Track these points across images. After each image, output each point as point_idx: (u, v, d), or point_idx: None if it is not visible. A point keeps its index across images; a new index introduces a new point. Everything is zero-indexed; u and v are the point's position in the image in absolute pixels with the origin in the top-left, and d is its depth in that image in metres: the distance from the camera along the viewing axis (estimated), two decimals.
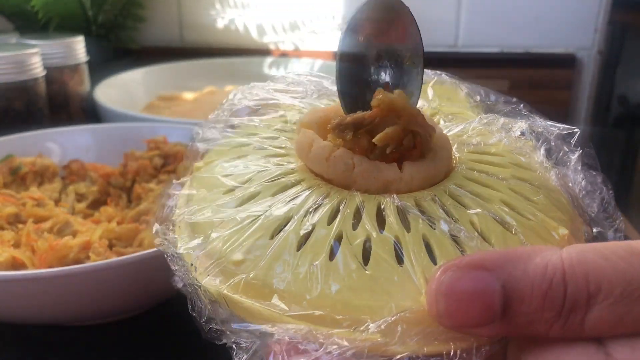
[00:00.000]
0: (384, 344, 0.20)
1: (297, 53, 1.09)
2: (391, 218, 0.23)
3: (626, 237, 0.26)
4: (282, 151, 0.28)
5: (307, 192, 0.25)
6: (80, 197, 0.54)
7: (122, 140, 0.60)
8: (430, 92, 0.33)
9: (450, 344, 0.20)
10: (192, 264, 0.24)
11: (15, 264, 0.43)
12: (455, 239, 0.23)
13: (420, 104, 0.31)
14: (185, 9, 1.11)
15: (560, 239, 0.24)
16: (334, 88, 0.30)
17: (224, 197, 0.26)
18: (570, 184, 0.27)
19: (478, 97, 0.33)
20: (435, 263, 0.22)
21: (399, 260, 0.22)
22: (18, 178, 0.55)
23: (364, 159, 0.25)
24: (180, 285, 0.25)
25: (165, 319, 0.45)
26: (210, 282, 0.23)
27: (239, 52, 1.06)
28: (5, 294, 0.38)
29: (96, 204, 0.54)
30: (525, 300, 0.18)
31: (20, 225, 0.48)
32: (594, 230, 0.27)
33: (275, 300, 0.22)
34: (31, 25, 0.96)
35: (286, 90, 0.33)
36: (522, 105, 0.31)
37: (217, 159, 0.29)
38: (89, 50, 0.80)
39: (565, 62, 1.02)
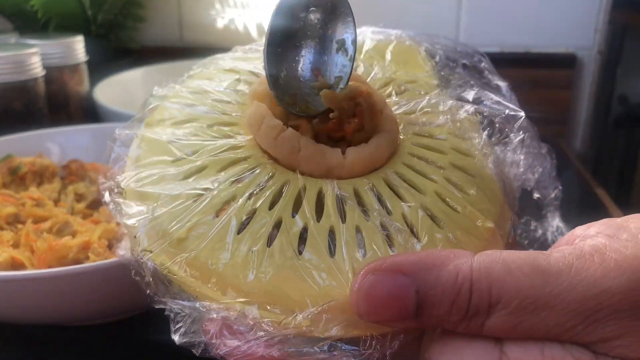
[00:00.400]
0: (308, 332, 0.22)
1: None
2: (329, 207, 0.25)
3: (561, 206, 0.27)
4: (233, 119, 0.28)
5: (253, 172, 0.25)
6: (79, 197, 0.54)
7: None
8: (387, 56, 0.33)
9: (368, 332, 0.22)
10: (135, 237, 0.25)
11: (15, 264, 0.43)
12: (386, 232, 0.24)
13: (376, 70, 0.32)
14: (185, 9, 1.11)
15: (484, 232, 0.26)
16: None
17: (171, 168, 0.26)
18: (507, 169, 0.29)
19: (437, 58, 0.33)
20: (364, 255, 0.23)
21: (332, 250, 0.23)
22: (17, 178, 0.54)
23: (310, 143, 0.26)
24: (122, 253, 0.25)
25: (165, 319, 0.45)
26: (154, 258, 0.24)
27: None
28: (4, 294, 0.37)
29: (95, 204, 0.53)
30: (435, 305, 0.20)
31: (19, 226, 0.48)
32: (535, 195, 0.29)
33: (213, 281, 0.23)
34: (31, 25, 0.96)
35: (245, 58, 0.33)
36: (482, 64, 0.32)
37: (167, 119, 0.29)
38: (88, 50, 0.80)
39: (566, 62, 1.02)
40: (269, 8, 1.08)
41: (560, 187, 0.29)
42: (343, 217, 0.24)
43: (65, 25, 0.96)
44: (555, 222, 0.29)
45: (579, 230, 0.23)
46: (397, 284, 0.21)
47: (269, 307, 0.22)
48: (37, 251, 0.43)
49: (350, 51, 0.28)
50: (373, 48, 0.33)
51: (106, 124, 0.67)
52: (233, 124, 0.28)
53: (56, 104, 0.76)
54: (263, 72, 0.30)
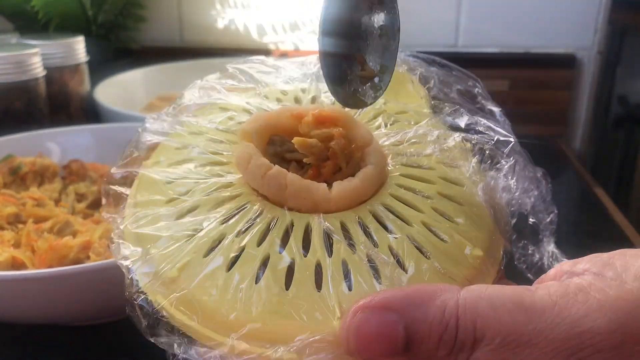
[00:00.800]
0: None
1: (297, 53, 1.09)
2: (316, 242, 0.25)
3: (557, 231, 0.27)
4: (224, 159, 0.29)
5: (242, 210, 0.27)
6: (80, 197, 0.54)
7: (122, 140, 0.60)
8: None
9: None
10: (130, 278, 0.26)
11: (15, 264, 0.43)
12: (372, 264, 0.24)
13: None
14: (185, 9, 1.11)
15: (473, 261, 0.26)
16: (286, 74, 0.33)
17: (165, 208, 0.27)
18: (498, 195, 0.29)
19: (432, 83, 0.33)
20: (350, 289, 0.24)
21: (319, 285, 0.24)
22: (18, 178, 0.55)
23: (296, 179, 0.27)
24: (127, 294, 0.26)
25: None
26: (148, 298, 0.25)
27: (239, 52, 1.06)
28: (5, 293, 0.38)
29: (96, 204, 0.54)
30: (424, 341, 0.21)
31: (20, 225, 0.48)
32: (530, 220, 0.29)
33: (202, 318, 0.24)
34: (31, 25, 0.96)
35: (236, 88, 0.34)
36: (477, 89, 0.32)
37: (164, 160, 0.30)
38: (89, 51, 0.80)
39: (565, 62, 1.02)
40: (268, 8, 1.08)
41: (555, 212, 0.29)
42: (329, 251, 0.25)
43: (65, 26, 0.96)
44: (550, 247, 0.30)
45: (566, 265, 0.23)
46: (386, 321, 0.21)
47: (257, 342, 0.23)
48: (38, 251, 0.43)
49: (395, 38, 0.28)
50: None
51: (106, 124, 0.68)
52: (224, 164, 0.29)
53: (57, 104, 0.76)
54: (254, 109, 0.32)
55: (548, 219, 0.29)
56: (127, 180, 0.30)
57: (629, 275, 0.21)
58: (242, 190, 0.27)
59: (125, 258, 0.26)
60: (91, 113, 0.80)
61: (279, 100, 0.33)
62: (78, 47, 0.78)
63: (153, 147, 0.31)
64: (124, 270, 0.26)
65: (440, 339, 0.21)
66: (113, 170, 0.31)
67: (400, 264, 0.25)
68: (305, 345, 0.22)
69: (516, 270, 0.29)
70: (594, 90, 1.04)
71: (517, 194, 0.29)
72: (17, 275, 0.37)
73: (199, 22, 1.11)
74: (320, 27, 0.28)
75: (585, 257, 0.23)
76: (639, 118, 1.05)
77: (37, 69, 0.69)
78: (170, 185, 0.28)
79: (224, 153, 0.30)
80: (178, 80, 0.99)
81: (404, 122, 0.32)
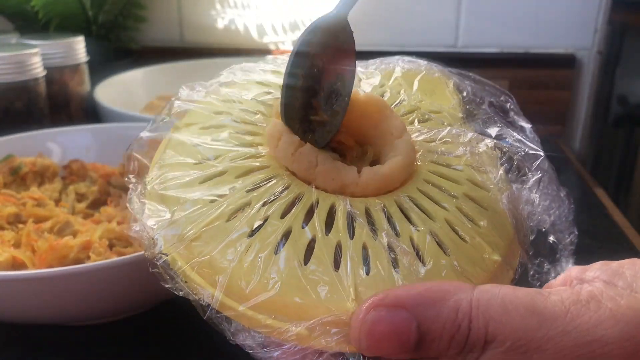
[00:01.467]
0: (304, 342, 0.23)
1: None
2: (339, 222, 0.25)
3: (576, 252, 0.27)
4: (258, 130, 0.29)
5: (269, 182, 0.26)
6: (80, 197, 0.54)
7: (123, 140, 0.60)
8: (415, 85, 0.34)
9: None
10: (153, 238, 0.26)
11: (16, 264, 0.43)
12: (392, 252, 0.25)
13: (402, 97, 0.33)
14: (186, 9, 1.11)
15: (490, 265, 0.26)
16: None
17: (193, 170, 0.27)
18: (521, 207, 0.29)
19: (464, 93, 0.34)
20: (368, 273, 0.24)
21: (337, 264, 0.24)
22: (18, 178, 0.54)
23: (327, 159, 0.27)
24: (137, 229, 0.26)
25: (166, 318, 0.45)
26: (170, 260, 0.25)
27: (239, 52, 1.06)
28: (5, 293, 0.38)
29: (96, 204, 0.54)
30: (435, 340, 0.21)
31: (20, 225, 0.48)
32: (550, 239, 0.29)
33: (221, 285, 0.24)
34: (31, 25, 0.96)
35: (274, 71, 0.34)
36: (509, 103, 0.32)
37: (195, 123, 0.30)
38: (89, 51, 0.80)
39: (565, 62, 1.02)
40: (268, 8, 1.08)
41: (576, 233, 0.29)
42: (351, 233, 0.25)
43: (66, 26, 0.96)
44: (569, 267, 0.30)
45: (575, 271, 0.24)
46: (399, 320, 0.21)
47: (268, 313, 0.23)
48: (38, 251, 0.43)
49: (348, 88, 0.29)
50: (402, 76, 0.34)
51: (106, 124, 0.68)
52: (257, 134, 0.29)
53: (57, 104, 0.76)
54: None
55: (568, 239, 0.29)
56: (150, 152, 0.31)
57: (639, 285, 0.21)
58: (271, 162, 0.27)
59: (149, 217, 0.26)
60: (91, 113, 0.80)
61: None
62: (78, 47, 0.78)
63: (184, 114, 0.31)
64: (147, 230, 0.26)
65: (452, 338, 0.21)
66: (143, 133, 0.30)
67: (419, 257, 0.25)
68: (319, 324, 0.22)
69: (528, 286, 0.29)
70: (594, 90, 1.04)
71: (538, 209, 0.29)
72: (18, 275, 0.37)
73: (199, 22, 1.11)
74: (287, 69, 0.28)
75: (594, 264, 0.23)
76: (638, 118, 1.05)
77: (37, 69, 0.69)
78: (199, 149, 0.28)
79: (258, 124, 0.30)
80: (178, 80, 0.99)
81: (437, 121, 0.32)
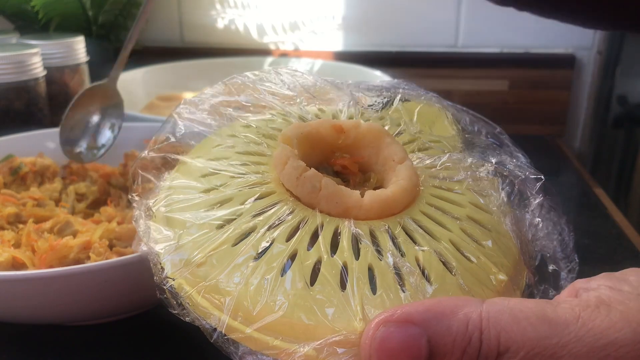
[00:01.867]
0: (315, 358, 0.22)
1: (297, 53, 1.09)
2: (344, 243, 0.25)
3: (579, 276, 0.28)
4: (262, 159, 0.30)
5: (274, 207, 0.27)
6: (80, 197, 0.54)
7: (123, 140, 0.60)
8: (415, 116, 0.34)
9: None
10: (160, 263, 0.26)
11: (16, 264, 0.43)
12: (397, 272, 0.25)
13: (402, 127, 0.34)
14: (186, 9, 1.11)
15: (497, 284, 0.26)
16: (326, 88, 0.34)
17: (200, 194, 0.28)
18: (525, 229, 0.29)
19: (462, 124, 0.34)
20: (374, 292, 0.24)
21: (343, 285, 0.24)
22: (18, 178, 0.54)
23: (331, 183, 0.27)
24: (144, 249, 0.27)
25: (166, 319, 0.45)
26: (176, 285, 0.25)
27: (239, 52, 1.06)
28: (5, 294, 0.37)
29: (96, 204, 0.54)
30: (447, 354, 0.21)
31: (20, 225, 0.48)
32: (550, 267, 0.29)
33: (227, 308, 0.24)
34: (31, 25, 0.96)
35: (277, 93, 0.34)
36: (503, 136, 0.33)
37: (204, 154, 0.31)
38: (89, 51, 0.80)
39: (565, 62, 1.02)
40: (268, 8, 1.08)
41: (577, 261, 0.29)
42: (357, 254, 0.25)
43: (66, 26, 0.96)
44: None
45: (580, 283, 0.23)
46: (409, 335, 0.21)
47: (275, 334, 0.23)
48: (38, 251, 0.43)
49: (115, 132, 0.33)
50: (403, 107, 0.35)
51: None
52: (262, 163, 0.30)
53: (57, 104, 0.76)
54: (294, 119, 0.33)
55: (569, 267, 0.30)
56: (155, 166, 0.31)
57: None
58: (276, 188, 0.28)
59: (156, 242, 0.27)
60: None
61: (317, 116, 0.34)
62: (78, 47, 0.78)
63: (189, 136, 0.32)
64: (153, 255, 0.26)
65: (464, 352, 0.21)
66: (147, 153, 0.31)
67: (425, 276, 0.25)
68: (327, 345, 0.22)
69: None
70: (594, 90, 1.04)
71: (541, 234, 0.29)
72: (17, 275, 0.37)
73: (199, 22, 1.11)
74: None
75: (598, 275, 0.23)
76: (638, 118, 1.05)
77: (38, 69, 0.69)
78: (207, 177, 0.29)
79: (264, 152, 0.30)
80: (178, 80, 1.00)
81: (437, 150, 0.33)
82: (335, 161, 0.30)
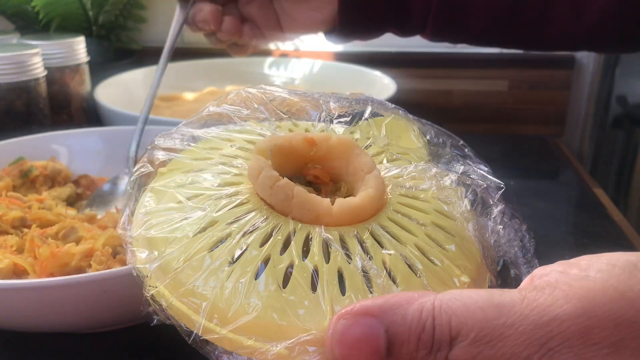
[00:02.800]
0: (287, 357, 0.24)
1: (297, 53, 1.09)
2: (315, 249, 0.27)
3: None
4: (237, 171, 0.31)
5: (249, 215, 0.28)
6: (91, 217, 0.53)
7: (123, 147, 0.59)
8: (383, 129, 0.36)
9: None
10: (147, 276, 0.27)
11: (17, 271, 0.42)
12: (365, 274, 0.26)
13: (372, 140, 0.36)
14: None
15: (460, 286, 0.27)
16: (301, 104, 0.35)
17: (176, 213, 0.29)
18: (487, 235, 0.31)
19: (428, 137, 0.36)
20: (344, 294, 0.25)
21: (314, 287, 0.25)
22: (28, 181, 0.54)
23: (302, 192, 0.29)
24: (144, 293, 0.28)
25: (166, 328, 0.45)
26: (157, 293, 0.27)
27: None
28: (4, 302, 0.37)
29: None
30: (404, 343, 0.22)
31: (25, 230, 0.47)
32: (512, 272, 0.31)
33: (203, 312, 0.25)
34: (32, 25, 0.97)
35: (250, 118, 0.36)
36: (466, 150, 0.34)
37: (177, 169, 0.32)
38: (89, 51, 0.80)
39: (565, 63, 1.02)
40: None
41: (538, 266, 0.31)
42: (327, 258, 0.27)
43: (66, 26, 0.96)
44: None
45: (538, 271, 0.25)
46: (367, 326, 0.22)
47: (249, 335, 0.24)
48: (39, 258, 0.42)
49: None
50: (372, 120, 0.37)
51: (114, 127, 0.67)
52: (237, 175, 0.31)
53: (57, 104, 0.76)
54: (268, 134, 0.34)
55: (529, 273, 0.31)
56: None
57: (592, 269, 0.22)
58: (250, 198, 0.29)
59: (142, 263, 0.28)
60: (92, 113, 0.80)
61: (291, 130, 0.36)
62: (79, 47, 0.78)
63: (165, 164, 0.33)
64: (140, 274, 0.28)
65: (419, 339, 0.21)
66: (126, 187, 0.32)
67: (391, 278, 0.26)
68: (296, 343, 0.24)
69: None
70: (594, 90, 1.04)
71: (503, 240, 0.31)
72: (17, 284, 0.36)
73: None
74: None
75: (554, 263, 0.24)
76: (638, 118, 1.05)
77: (38, 69, 0.69)
78: (181, 191, 0.30)
79: (239, 166, 0.32)
80: (178, 80, 1.00)
81: (404, 161, 0.34)
82: (307, 172, 0.32)
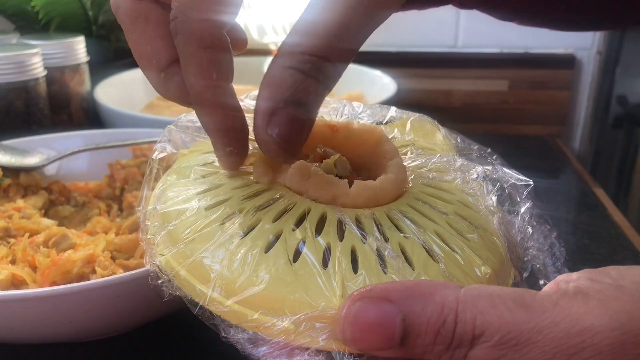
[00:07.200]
0: (290, 337, 0.23)
1: None
2: (329, 227, 0.26)
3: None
4: (256, 152, 0.30)
5: (264, 193, 0.28)
6: (63, 221, 0.52)
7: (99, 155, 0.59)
8: (408, 125, 0.35)
9: (347, 349, 0.23)
10: (154, 244, 0.27)
11: (15, 282, 0.41)
12: (380, 255, 0.25)
13: (396, 134, 0.35)
14: None
15: (482, 276, 0.26)
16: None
17: (191, 187, 0.29)
18: (514, 232, 0.29)
19: (453, 142, 0.35)
20: (356, 272, 0.24)
21: (325, 264, 0.24)
22: (1, 190, 0.53)
23: (320, 172, 0.28)
24: (148, 265, 0.27)
25: (168, 333, 0.45)
26: (165, 261, 0.26)
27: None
28: (12, 313, 0.36)
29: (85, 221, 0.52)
30: (420, 334, 0.21)
31: (11, 240, 0.46)
32: (541, 282, 0.29)
33: (212, 281, 0.24)
34: (32, 25, 0.96)
35: None
36: (494, 156, 0.33)
37: (198, 152, 0.32)
38: (89, 51, 0.80)
39: (565, 62, 1.02)
40: (268, 8, 1.08)
41: None
42: (341, 236, 0.26)
43: (66, 26, 0.96)
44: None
45: (562, 277, 0.23)
46: (384, 312, 0.21)
47: (255, 308, 0.24)
48: (40, 267, 0.41)
49: None
50: (397, 120, 0.36)
51: (107, 130, 0.67)
52: (254, 155, 0.30)
53: (57, 104, 0.76)
54: None
55: None
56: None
57: (626, 280, 0.21)
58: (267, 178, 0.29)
59: (152, 233, 0.27)
60: (92, 113, 0.80)
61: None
62: (79, 47, 0.78)
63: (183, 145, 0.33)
64: (146, 240, 0.27)
65: (438, 333, 0.21)
66: (155, 156, 0.32)
67: (408, 261, 0.25)
68: (303, 319, 0.23)
69: None
70: (594, 90, 1.04)
71: (531, 243, 0.29)
72: (28, 294, 0.35)
73: None
74: None
75: (580, 270, 0.23)
76: (638, 118, 1.05)
77: (38, 69, 0.69)
78: (196, 169, 0.30)
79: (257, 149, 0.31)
80: None
81: (428, 154, 0.33)
82: (317, 155, 0.31)
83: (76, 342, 0.43)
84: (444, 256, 0.26)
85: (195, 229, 0.26)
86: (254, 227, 0.26)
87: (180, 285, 0.26)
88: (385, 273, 0.24)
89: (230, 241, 0.25)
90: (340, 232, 0.26)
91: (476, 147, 0.34)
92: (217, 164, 0.30)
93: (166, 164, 0.32)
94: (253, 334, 0.24)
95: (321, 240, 0.25)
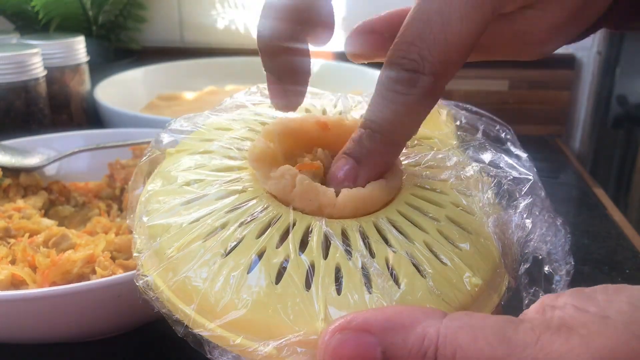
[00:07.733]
0: (276, 357, 0.23)
1: None
2: (314, 242, 0.25)
3: (572, 283, 0.27)
4: (243, 155, 0.30)
5: (248, 203, 0.27)
6: (63, 220, 0.52)
7: (98, 155, 0.59)
8: None
9: None
10: (141, 264, 0.27)
11: (15, 282, 0.41)
12: (365, 273, 0.24)
13: None
14: (186, 9, 1.11)
15: (471, 288, 0.25)
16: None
17: (177, 198, 0.28)
18: (510, 231, 0.28)
19: (458, 122, 0.34)
20: (339, 293, 0.23)
21: (308, 284, 0.24)
22: (1, 191, 0.53)
23: (305, 180, 0.27)
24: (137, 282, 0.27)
25: (170, 330, 0.44)
26: (149, 281, 0.26)
27: (239, 52, 1.06)
28: (13, 314, 0.36)
29: (85, 221, 0.52)
30: None
31: (11, 240, 0.46)
32: (546, 269, 0.28)
33: (195, 303, 0.24)
34: (32, 25, 0.96)
35: (263, 103, 0.35)
36: (504, 134, 0.32)
37: (184, 151, 0.31)
38: (89, 51, 0.80)
39: (565, 63, 1.02)
40: None
41: (572, 263, 0.28)
42: (325, 253, 0.25)
43: (66, 26, 0.96)
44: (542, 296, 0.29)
45: (548, 299, 0.23)
46: (364, 344, 0.21)
47: (237, 331, 0.23)
48: (40, 267, 0.41)
49: None
50: None
51: (108, 130, 0.67)
52: (242, 159, 0.30)
53: (57, 104, 0.76)
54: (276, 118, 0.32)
55: (564, 270, 0.29)
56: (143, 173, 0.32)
57: (612, 309, 0.21)
58: (252, 185, 0.28)
59: (137, 250, 0.27)
60: (92, 113, 0.80)
61: (307, 110, 0.34)
62: (79, 47, 0.78)
63: (172, 144, 0.32)
64: (135, 258, 0.27)
65: None
66: (136, 171, 0.31)
67: (394, 278, 0.25)
68: (286, 344, 0.22)
69: (517, 312, 0.29)
70: (594, 90, 1.04)
71: (532, 236, 0.28)
72: (28, 294, 0.35)
73: (199, 22, 1.11)
74: None
75: (567, 291, 0.23)
76: (638, 118, 1.05)
77: (38, 69, 0.69)
78: (184, 174, 0.29)
79: (244, 149, 0.30)
80: (178, 80, 1.00)
81: (425, 147, 0.32)
82: (307, 158, 0.30)
83: (76, 342, 0.43)
84: (432, 270, 0.25)
85: (179, 246, 0.25)
86: (238, 244, 0.25)
87: (166, 304, 0.25)
88: (370, 293, 0.24)
89: (213, 260, 0.25)
90: (325, 248, 0.25)
91: (482, 128, 0.33)
92: (202, 170, 0.29)
93: (152, 169, 0.32)
94: (237, 355, 0.24)
95: (304, 259, 0.25)
